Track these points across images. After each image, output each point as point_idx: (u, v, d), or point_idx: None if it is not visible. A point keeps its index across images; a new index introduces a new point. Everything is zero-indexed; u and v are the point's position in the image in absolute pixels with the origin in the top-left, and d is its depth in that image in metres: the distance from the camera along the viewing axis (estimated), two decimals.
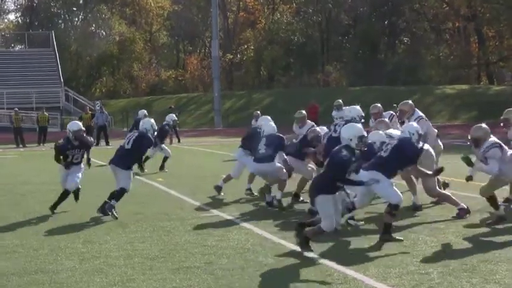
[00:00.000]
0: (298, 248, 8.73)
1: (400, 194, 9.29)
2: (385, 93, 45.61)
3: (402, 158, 9.39)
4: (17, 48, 67.71)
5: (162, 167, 18.80)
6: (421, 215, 11.08)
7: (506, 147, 10.04)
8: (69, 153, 12.07)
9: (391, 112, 13.66)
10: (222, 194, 13.63)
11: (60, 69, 51.90)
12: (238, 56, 69.59)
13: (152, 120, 12.48)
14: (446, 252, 8.49)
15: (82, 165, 12.31)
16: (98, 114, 32.81)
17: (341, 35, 70.07)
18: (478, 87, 57.61)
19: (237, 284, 7.35)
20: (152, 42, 73.40)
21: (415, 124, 10.12)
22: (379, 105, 13.57)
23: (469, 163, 10.04)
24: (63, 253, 8.95)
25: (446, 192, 11.36)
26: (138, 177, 16.68)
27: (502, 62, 64.34)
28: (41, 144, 32.54)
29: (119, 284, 7.44)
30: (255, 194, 13.04)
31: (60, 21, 73.95)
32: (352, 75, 64.42)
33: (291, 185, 12.67)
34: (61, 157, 12.14)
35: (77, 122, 12.62)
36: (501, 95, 49.72)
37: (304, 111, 14.91)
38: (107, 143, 31.48)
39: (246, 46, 69.74)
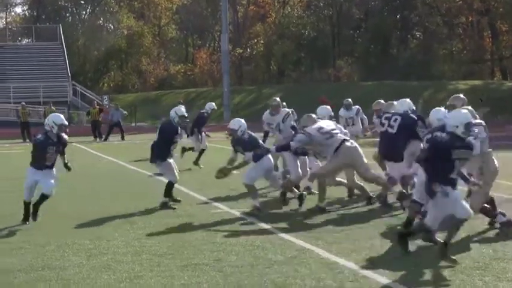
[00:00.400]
0: (308, 245, 8.65)
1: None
2: (397, 89, 45.28)
3: None
4: (24, 42, 67.32)
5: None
6: None
7: None
8: (49, 150, 10.57)
9: None
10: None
11: (67, 63, 51.82)
12: (248, 50, 69.37)
13: (182, 108, 12.71)
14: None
15: (54, 171, 10.79)
16: (113, 111, 32.78)
17: (352, 29, 69.71)
18: (492, 83, 57.17)
19: (246, 281, 7.28)
20: (161, 36, 73.29)
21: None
22: (382, 101, 13.57)
23: None
24: (70, 249, 8.88)
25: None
26: (147, 172, 16.63)
27: None
28: None
29: (127, 281, 7.38)
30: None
31: (67, 14, 73.93)
32: (363, 70, 64.11)
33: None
34: (37, 155, 10.66)
35: (60, 115, 10.99)
36: None
37: (278, 99, 14.24)
38: (123, 138, 31.51)
39: (256, 40, 69.48)
